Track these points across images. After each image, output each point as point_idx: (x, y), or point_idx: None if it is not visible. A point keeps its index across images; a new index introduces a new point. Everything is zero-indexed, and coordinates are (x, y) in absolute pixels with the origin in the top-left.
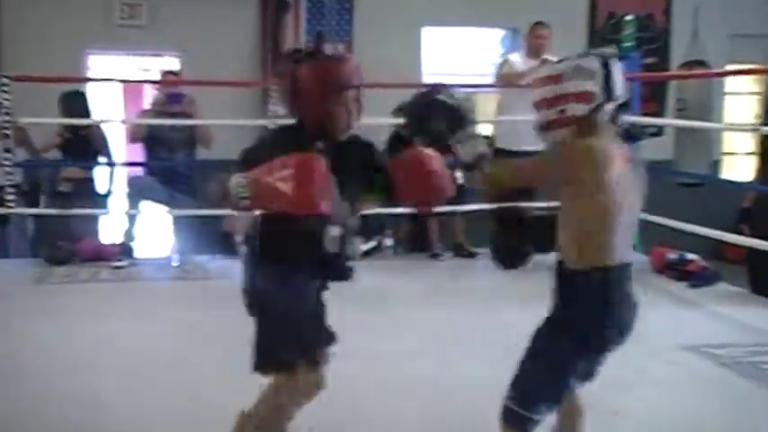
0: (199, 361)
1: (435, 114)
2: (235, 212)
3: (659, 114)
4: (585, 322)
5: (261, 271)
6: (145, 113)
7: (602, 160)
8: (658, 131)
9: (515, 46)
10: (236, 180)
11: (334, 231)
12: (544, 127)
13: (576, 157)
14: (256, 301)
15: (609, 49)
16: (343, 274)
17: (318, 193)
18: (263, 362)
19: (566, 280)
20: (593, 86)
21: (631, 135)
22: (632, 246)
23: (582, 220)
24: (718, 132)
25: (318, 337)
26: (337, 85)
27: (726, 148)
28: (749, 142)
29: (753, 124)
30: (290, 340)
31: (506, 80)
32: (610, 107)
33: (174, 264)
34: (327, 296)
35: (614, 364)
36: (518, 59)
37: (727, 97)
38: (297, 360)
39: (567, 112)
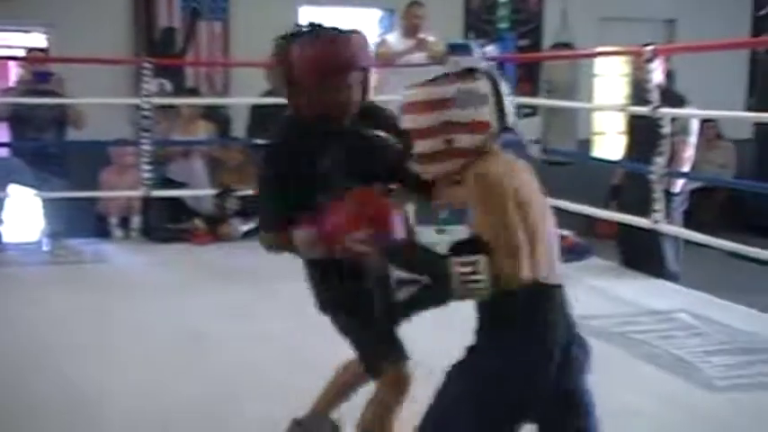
0: (70, 344)
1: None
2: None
3: (532, 94)
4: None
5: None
6: (9, 92)
7: (510, 185)
8: (532, 111)
9: (392, 26)
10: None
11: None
12: (427, 158)
13: (480, 190)
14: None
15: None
16: None
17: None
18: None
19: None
20: (487, 115)
21: None
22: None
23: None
24: (587, 112)
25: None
26: (337, 68)
27: (596, 128)
28: (619, 121)
29: (620, 104)
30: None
31: (383, 59)
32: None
33: (45, 248)
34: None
35: None
36: (394, 39)
37: (596, 78)
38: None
39: (454, 143)
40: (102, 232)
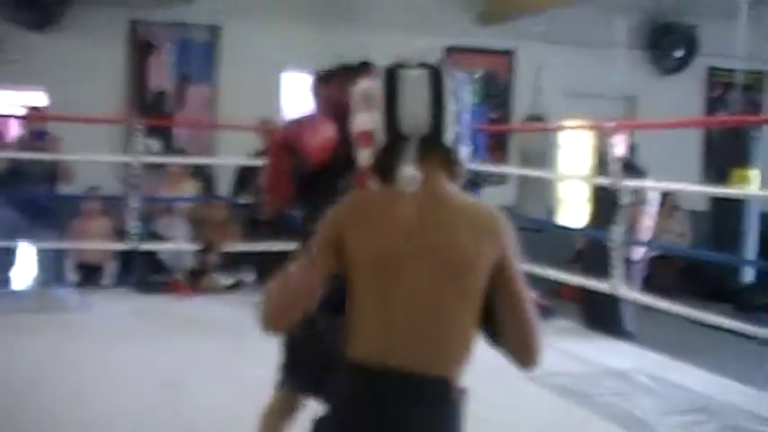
0: (54, 385)
1: None
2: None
3: (502, 162)
4: None
5: None
6: (6, 148)
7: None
8: (502, 180)
9: None
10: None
11: None
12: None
13: None
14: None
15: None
16: None
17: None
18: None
19: None
20: (370, 123)
21: (474, 183)
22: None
23: None
24: (552, 180)
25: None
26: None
27: (562, 195)
28: (582, 189)
29: (584, 175)
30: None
31: None
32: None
33: (33, 295)
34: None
35: None
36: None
37: (560, 150)
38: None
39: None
40: (90, 281)
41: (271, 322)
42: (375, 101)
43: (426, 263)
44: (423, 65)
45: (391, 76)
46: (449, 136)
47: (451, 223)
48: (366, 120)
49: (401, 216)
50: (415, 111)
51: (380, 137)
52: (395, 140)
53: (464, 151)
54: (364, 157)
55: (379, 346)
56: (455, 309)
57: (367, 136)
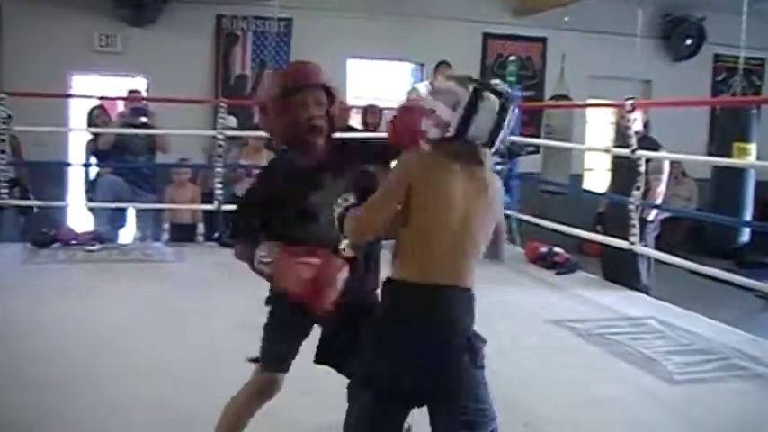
0: (152, 328)
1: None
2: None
3: (536, 136)
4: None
5: None
6: (112, 124)
7: (411, 172)
8: (535, 150)
9: (421, 77)
10: (263, 250)
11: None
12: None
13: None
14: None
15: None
16: None
17: (327, 296)
18: None
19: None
20: (449, 116)
21: (512, 152)
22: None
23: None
24: (580, 151)
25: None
26: (281, 90)
27: (588, 165)
28: (604, 159)
29: (606, 146)
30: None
31: None
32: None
33: (136, 248)
34: None
35: (493, 333)
36: (423, 88)
37: (587, 125)
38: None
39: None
40: (183, 237)
41: (360, 234)
42: (459, 104)
43: (464, 207)
44: (498, 92)
45: (476, 94)
46: (493, 149)
47: (482, 186)
48: (447, 114)
49: (452, 177)
50: (482, 127)
51: (452, 130)
52: (458, 136)
53: (492, 159)
54: (430, 132)
55: (420, 270)
56: (479, 240)
57: (442, 122)
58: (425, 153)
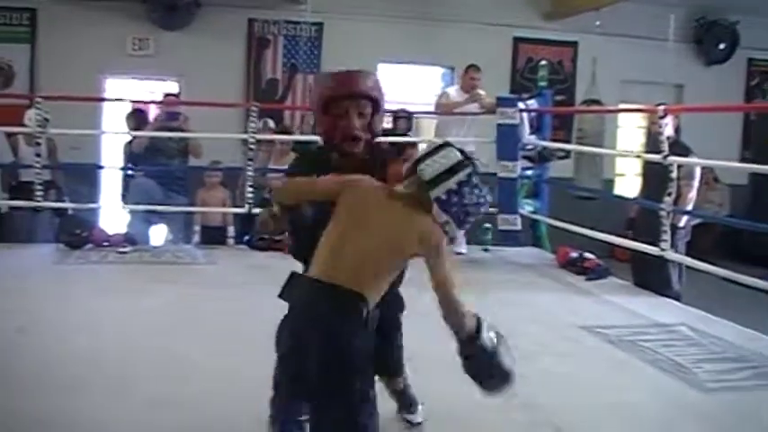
0: (183, 329)
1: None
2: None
3: (566, 141)
4: None
5: None
6: (147, 128)
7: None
8: (566, 155)
9: (452, 81)
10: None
11: None
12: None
13: None
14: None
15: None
16: None
17: None
18: None
19: None
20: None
21: (543, 157)
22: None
23: None
24: (611, 156)
25: None
26: (326, 96)
27: (618, 170)
28: (635, 165)
29: (637, 151)
30: None
31: (444, 108)
32: None
33: (167, 250)
34: None
35: (523, 338)
36: (454, 92)
37: (619, 129)
38: None
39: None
40: (214, 240)
41: (285, 194)
42: (431, 144)
43: (375, 231)
44: (462, 153)
45: (444, 145)
46: (437, 193)
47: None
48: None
49: (374, 199)
50: (435, 168)
51: (414, 161)
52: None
53: (442, 216)
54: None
55: (323, 268)
56: (382, 259)
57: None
58: (370, 187)
